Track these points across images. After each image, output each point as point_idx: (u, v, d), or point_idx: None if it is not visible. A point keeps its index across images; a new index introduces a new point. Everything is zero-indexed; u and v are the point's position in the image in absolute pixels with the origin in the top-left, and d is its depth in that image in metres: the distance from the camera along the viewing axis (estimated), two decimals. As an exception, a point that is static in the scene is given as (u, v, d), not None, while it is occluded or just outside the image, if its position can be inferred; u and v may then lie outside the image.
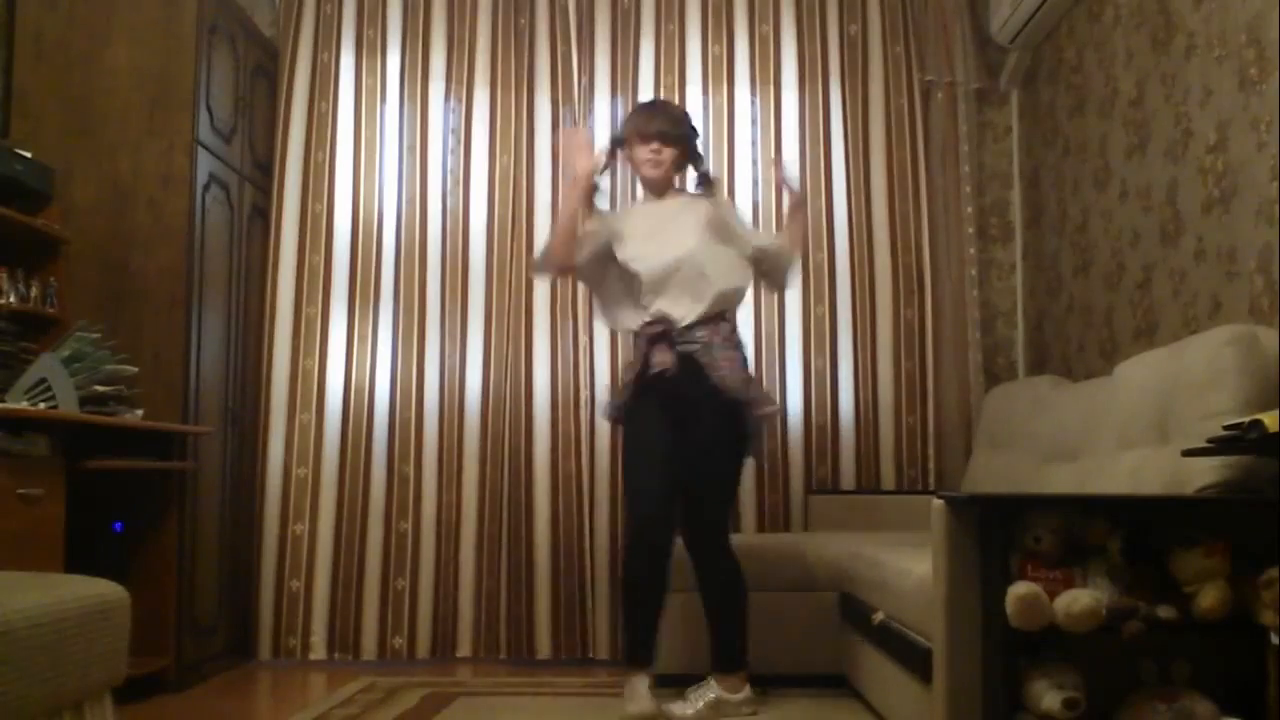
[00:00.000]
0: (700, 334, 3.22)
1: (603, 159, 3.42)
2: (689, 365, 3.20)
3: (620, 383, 3.42)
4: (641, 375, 3.25)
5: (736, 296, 3.35)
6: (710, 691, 3.18)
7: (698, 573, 3.28)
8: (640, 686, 3.14)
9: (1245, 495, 2.23)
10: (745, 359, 3.32)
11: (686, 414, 3.21)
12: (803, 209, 3.77)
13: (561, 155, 3.36)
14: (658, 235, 3.28)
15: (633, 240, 3.31)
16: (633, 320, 3.33)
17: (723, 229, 3.32)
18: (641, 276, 3.26)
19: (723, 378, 3.17)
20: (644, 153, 3.33)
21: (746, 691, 3.21)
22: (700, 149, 3.54)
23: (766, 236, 3.77)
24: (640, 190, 3.58)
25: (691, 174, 3.47)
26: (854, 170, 4.37)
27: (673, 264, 3.23)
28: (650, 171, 3.35)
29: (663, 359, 3.20)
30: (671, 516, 3.23)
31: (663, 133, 3.32)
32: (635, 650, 3.25)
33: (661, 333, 3.23)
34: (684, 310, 3.23)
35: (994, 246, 4.51)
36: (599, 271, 3.39)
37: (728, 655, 3.23)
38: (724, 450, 3.24)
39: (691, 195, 3.43)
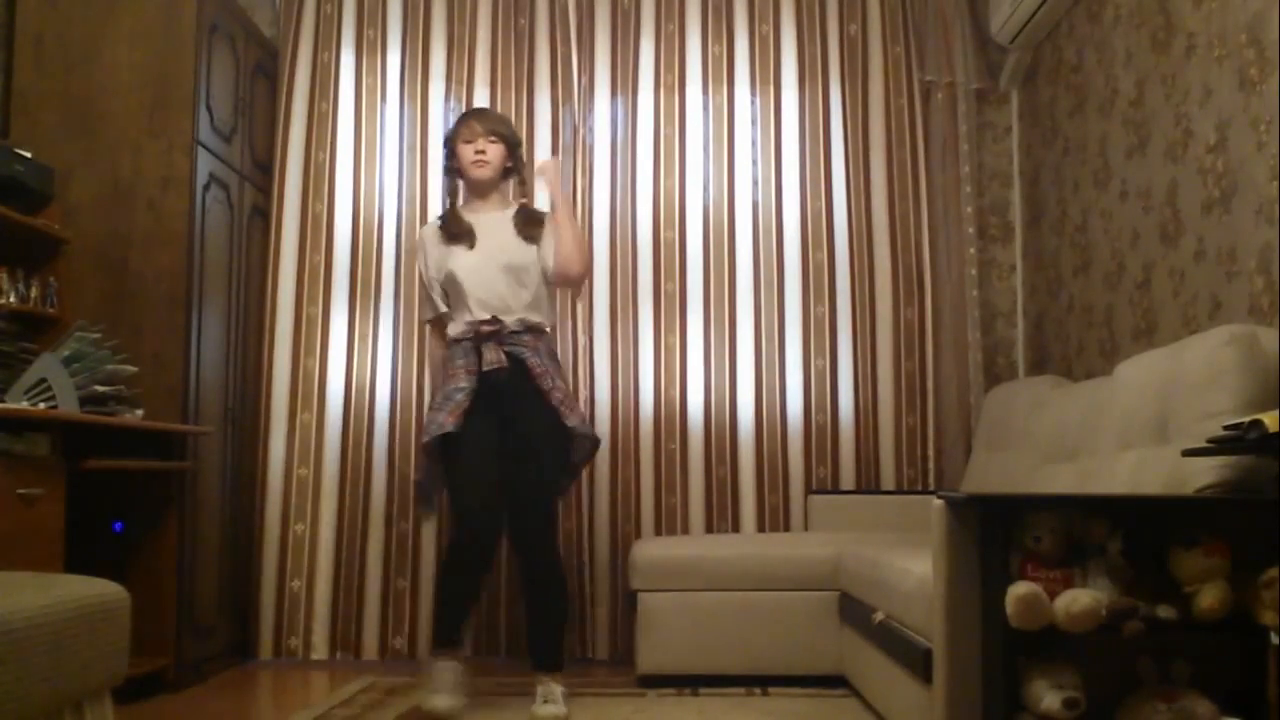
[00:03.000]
0: (526, 338, 3.31)
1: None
2: (516, 366, 3.28)
3: (440, 405, 3.30)
4: (474, 380, 3.27)
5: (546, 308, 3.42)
6: (557, 687, 3.23)
7: (523, 574, 3.35)
8: (449, 676, 3.17)
9: (1245, 495, 2.23)
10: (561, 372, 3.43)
11: (514, 414, 3.28)
12: (564, 212, 3.44)
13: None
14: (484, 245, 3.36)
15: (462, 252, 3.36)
16: (456, 326, 3.37)
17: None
18: (461, 281, 3.32)
19: (550, 390, 3.28)
20: (469, 153, 3.40)
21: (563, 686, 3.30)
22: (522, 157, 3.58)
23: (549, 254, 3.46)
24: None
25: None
26: (854, 170, 4.37)
27: (503, 265, 3.32)
28: (477, 172, 3.40)
29: (494, 357, 3.25)
30: (499, 521, 3.29)
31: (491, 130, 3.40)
32: (447, 635, 3.27)
33: (493, 332, 3.28)
34: (510, 312, 3.31)
35: (994, 246, 4.51)
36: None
37: (556, 656, 3.30)
38: (553, 454, 3.31)
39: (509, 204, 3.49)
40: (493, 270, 3.33)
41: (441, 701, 3.10)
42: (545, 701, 3.18)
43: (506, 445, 3.29)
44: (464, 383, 3.27)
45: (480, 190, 3.45)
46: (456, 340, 3.34)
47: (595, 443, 3.45)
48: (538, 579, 3.30)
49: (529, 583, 3.33)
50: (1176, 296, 3.12)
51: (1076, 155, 3.90)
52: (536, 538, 3.29)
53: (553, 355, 3.41)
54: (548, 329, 3.43)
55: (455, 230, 3.39)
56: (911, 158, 4.37)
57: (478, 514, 3.22)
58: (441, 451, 3.27)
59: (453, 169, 3.49)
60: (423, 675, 3.20)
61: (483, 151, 3.39)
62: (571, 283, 3.55)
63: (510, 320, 3.30)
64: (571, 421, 3.30)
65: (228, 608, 3.98)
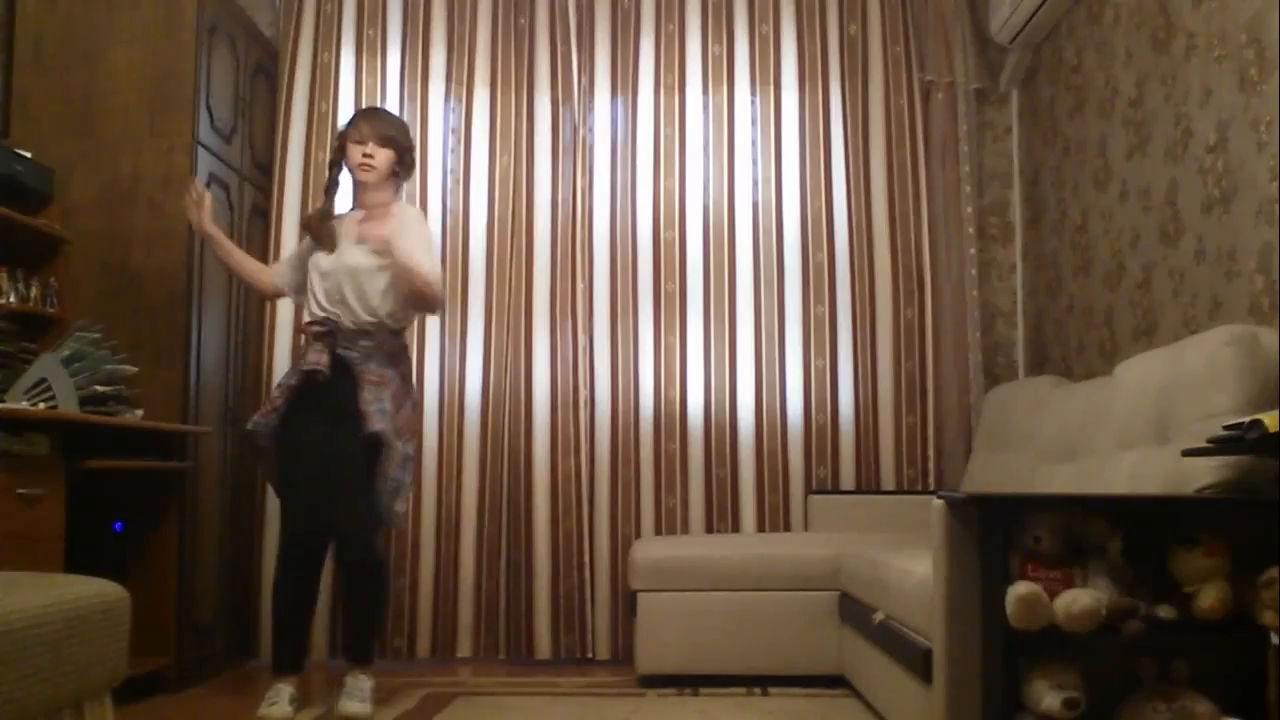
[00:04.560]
0: (362, 342, 3.24)
1: (207, 205, 3.36)
2: (345, 371, 3.21)
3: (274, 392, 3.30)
4: (299, 377, 3.24)
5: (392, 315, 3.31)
6: (364, 682, 3.19)
7: (339, 563, 3.30)
8: (286, 692, 3.14)
9: (1245, 495, 2.23)
10: (403, 379, 3.33)
11: (339, 414, 3.20)
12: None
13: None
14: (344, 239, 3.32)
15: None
16: (306, 313, 3.34)
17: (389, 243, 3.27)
18: (313, 277, 3.29)
19: (366, 397, 3.19)
20: (357, 155, 3.32)
21: (373, 680, 3.25)
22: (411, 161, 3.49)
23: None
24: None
25: None
26: (854, 170, 4.37)
27: (341, 267, 3.25)
28: (361, 175, 3.34)
29: (315, 359, 3.21)
30: (327, 528, 3.22)
31: (381, 136, 3.33)
32: (284, 660, 3.22)
33: (323, 333, 3.24)
34: (349, 316, 3.25)
35: (994, 246, 4.51)
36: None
37: (364, 649, 3.25)
38: (365, 459, 3.20)
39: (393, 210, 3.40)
40: (341, 272, 3.27)
41: (278, 711, 3.07)
42: (349, 698, 3.14)
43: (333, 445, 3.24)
44: (291, 379, 3.28)
45: (363, 191, 3.40)
46: (306, 328, 3.36)
47: (391, 452, 3.28)
48: (348, 577, 3.28)
49: (344, 579, 3.33)
50: (1176, 296, 3.12)
51: (1076, 155, 3.90)
52: (347, 540, 3.21)
53: (393, 357, 3.31)
54: (392, 328, 3.31)
55: (319, 234, 3.36)
56: (911, 158, 4.37)
57: (299, 531, 3.22)
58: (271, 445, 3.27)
59: (338, 163, 3.42)
60: (267, 692, 3.15)
61: (370, 155, 3.31)
62: (417, 300, 3.33)
63: (347, 322, 3.24)
64: (375, 427, 3.17)
65: (228, 608, 3.97)
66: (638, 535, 4.20)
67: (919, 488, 4.22)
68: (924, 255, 4.32)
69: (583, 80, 4.40)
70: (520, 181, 4.36)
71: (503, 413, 4.26)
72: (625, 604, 4.10)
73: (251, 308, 4.19)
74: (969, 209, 4.37)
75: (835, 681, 3.54)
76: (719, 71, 4.43)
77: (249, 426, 3.27)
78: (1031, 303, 4.38)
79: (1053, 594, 2.12)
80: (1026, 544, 2.18)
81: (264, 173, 4.32)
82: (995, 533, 2.20)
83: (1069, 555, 2.18)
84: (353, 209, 3.44)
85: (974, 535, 2.23)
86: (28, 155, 3.42)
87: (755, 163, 4.40)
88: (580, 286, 4.30)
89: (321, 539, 3.25)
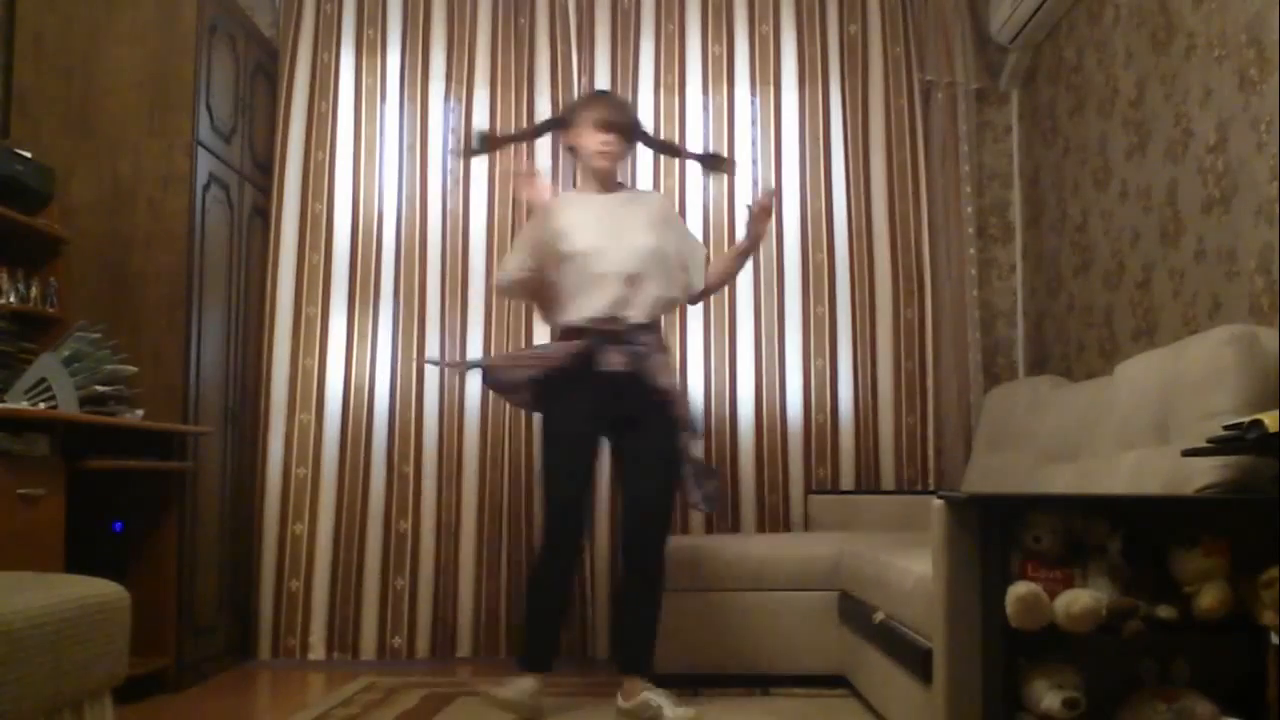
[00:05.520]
0: (644, 339, 3.21)
1: (548, 186, 3.37)
2: (635, 368, 3.17)
3: (521, 365, 3.29)
4: (575, 370, 3.16)
5: (673, 306, 3.39)
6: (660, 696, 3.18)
7: (629, 576, 3.28)
8: (528, 685, 3.14)
9: (1245, 495, 2.23)
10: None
11: (629, 420, 3.20)
12: (751, 253, 3.51)
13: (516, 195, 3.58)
14: (611, 230, 3.21)
15: (581, 233, 3.20)
16: (573, 313, 3.20)
17: (675, 232, 3.36)
18: (593, 271, 3.17)
19: (669, 386, 3.21)
20: (595, 142, 3.25)
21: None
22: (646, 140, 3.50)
23: (700, 269, 3.42)
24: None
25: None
26: (854, 170, 4.37)
27: (633, 261, 3.18)
28: (600, 162, 3.28)
29: (616, 359, 3.15)
30: (586, 522, 3.30)
31: (618, 124, 3.27)
32: (537, 656, 3.21)
33: (614, 332, 3.17)
34: (634, 311, 3.19)
35: (994, 246, 4.51)
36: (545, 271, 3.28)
37: (647, 658, 3.24)
38: (670, 460, 3.23)
39: (635, 191, 3.48)
40: (632, 257, 3.27)
41: (513, 694, 3.11)
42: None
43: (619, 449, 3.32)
44: (556, 362, 3.27)
45: (603, 180, 3.35)
46: (575, 329, 3.29)
47: None
48: (641, 584, 3.30)
49: (631, 587, 3.32)
50: (1176, 296, 3.12)
51: (1076, 155, 3.90)
52: (651, 550, 3.30)
53: (664, 350, 3.36)
54: (660, 326, 3.37)
55: None
56: (911, 158, 4.37)
57: (564, 539, 3.24)
58: None
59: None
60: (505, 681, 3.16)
61: (609, 142, 3.27)
62: None
63: (634, 318, 3.21)
64: (685, 410, 3.30)
65: (228, 608, 3.98)
66: (638, 535, 4.19)
67: (919, 488, 4.22)
68: (924, 255, 4.32)
69: (583, 80, 4.40)
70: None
71: (502, 412, 4.26)
72: (625, 604, 4.10)
73: (251, 308, 4.19)
74: (969, 209, 4.37)
75: (835, 681, 3.54)
76: (719, 71, 4.43)
77: (527, 400, 3.35)
78: (1031, 303, 4.38)
79: (1053, 594, 2.12)
80: (1026, 544, 2.18)
81: (264, 173, 4.32)
82: (995, 533, 2.20)
83: (1069, 555, 2.18)
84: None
85: (974, 535, 2.23)
86: (28, 155, 3.42)
87: (755, 163, 4.41)
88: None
89: (582, 536, 3.42)
